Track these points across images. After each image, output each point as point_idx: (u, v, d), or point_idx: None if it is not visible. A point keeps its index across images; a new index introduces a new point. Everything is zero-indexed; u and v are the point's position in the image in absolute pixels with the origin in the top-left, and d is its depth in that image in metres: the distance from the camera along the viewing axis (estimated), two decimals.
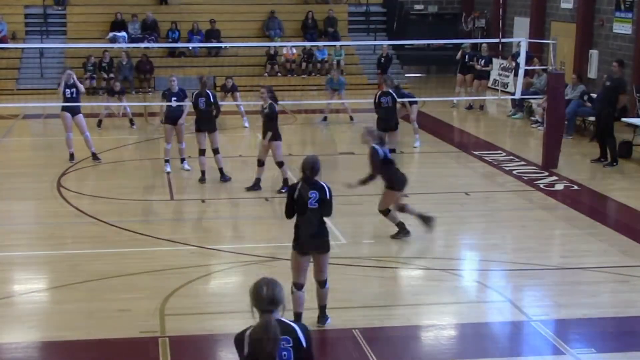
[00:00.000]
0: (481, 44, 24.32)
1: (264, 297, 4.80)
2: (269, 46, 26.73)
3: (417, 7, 30.53)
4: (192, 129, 14.76)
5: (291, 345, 4.82)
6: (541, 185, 14.64)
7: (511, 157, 16.99)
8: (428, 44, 28.94)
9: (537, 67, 21.10)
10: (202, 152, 14.56)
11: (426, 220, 11.54)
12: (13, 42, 25.72)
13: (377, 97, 14.72)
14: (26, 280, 10.27)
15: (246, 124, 19.94)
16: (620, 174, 15.70)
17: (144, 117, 21.39)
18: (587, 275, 10.26)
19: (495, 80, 25.91)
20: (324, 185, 8.29)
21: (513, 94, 21.26)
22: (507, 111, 22.66)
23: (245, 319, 4.96)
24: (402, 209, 11.60)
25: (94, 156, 16.32)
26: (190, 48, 26.95)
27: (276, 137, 13.72)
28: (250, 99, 20.90)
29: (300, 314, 8.41)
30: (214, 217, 13.32)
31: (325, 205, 8.23)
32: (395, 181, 11.33)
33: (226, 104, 19.53)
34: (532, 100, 21.03)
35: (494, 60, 24.83)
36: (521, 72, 17.30)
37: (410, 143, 17.84)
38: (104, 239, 11.63)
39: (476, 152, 17.37)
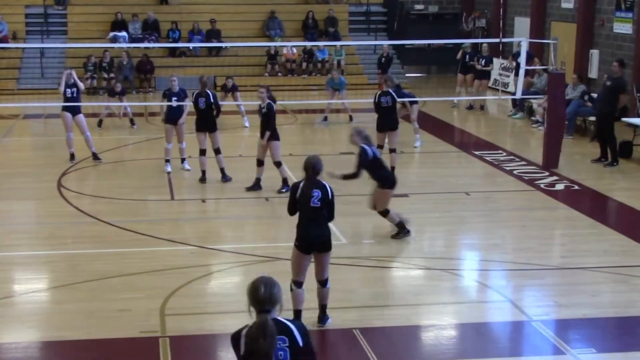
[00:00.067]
0: (482, 43, 24.32)
1: (261, 297, 4.80)
2: (269, 46, 26.73)
3: (418, 7, 30.53)
4: (193, 129, 14.75)
5: (287, 345, 4.82)
6: (542, 185, 14.63)
7: (512, 157, 16.99)
8: (428, 44, 28.97)
9: (537, 67, 21.10)
10: (202, 152, 14.55)
11: (404, 228, 11.52)
12: (14, 42, 25.74)
13: (376, 96, 14.71)
14: (26, 280, 10.27)
15: (246, 124, 19.94)
16: (620, 174, 15.70)
17: (145, 117, 21.41)
18: (588, 275, 10.25)
19: (495, 80, 25.92)
20: (326, 184, 8.31)
21: (513, 93, 21.26)
22: (508, 111, 22.65)
23: (245, 319, 4.96)
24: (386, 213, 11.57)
25: (95, 156, 16.33)
26: (191, 48, 26.96)
27: (274, 136, 13.72)
28: (250, 99, 20.88)
29: (299, 311, 8.41)
30: (214, 217, 13.32)
31: (328, 205, 8.24)
32: (385, 180, 11.33)
33: (226, 103, 19.54)
34: (532, 100, 21.03)
35: (495, 60, 24.84)
36: (522, 72, 17.29)
37: (411, 143, 17.84)
38: (105, 239, 11.63)
39: (477, 152, 17.37)
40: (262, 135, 13.70)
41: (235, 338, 4.84)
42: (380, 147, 14.80)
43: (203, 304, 9.36)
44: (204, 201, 13.96)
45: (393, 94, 14.71)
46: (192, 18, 27.43)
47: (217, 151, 14.57)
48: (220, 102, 15.32)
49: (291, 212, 8.44)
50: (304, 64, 27.14)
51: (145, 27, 27.15)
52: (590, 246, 11.45)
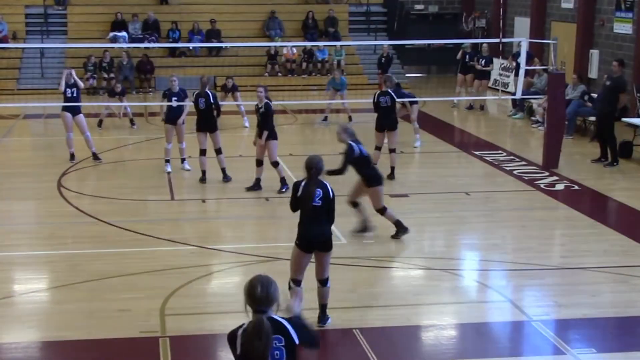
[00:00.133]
0: (482, 44, 24.32)
1: (258, 296, 4.81)
2: (269, 46, 26.73)
3: (418, 7, 30.53)
4: (193, 129, 14.75)
5: (283, 344, 4.83)
6: (542, 185, 14.63)
7: (512, 157, 16.99)
8: (428, 44, 28.97)
9: (537, 67, 21.10)
10: (202, 152, 14.55)
11: (365, 229, 11.53)
12: (14, 42, 25.73)
13: (376, 96, 14.71)
14: (26, 280, 10.27)
15: (246, 124, 19.94)
16: (620, 174, 15.70)
17: (145, 117, 21.41)
18: (588, 275, 10.25)
19: (495, 80, 25.91)
20: (327, 184, 8.34)
21: (513, 94, 21.26)
22: (508, 111, 22.65)
23: (244, 319, 4.97)
24: (356, 205, 11.56)
25: (95, 156, 16.33)
26: (191, 48, 26.96)
27: (273, 135, 13.71)
28: (250, 99, 20.85)
29: None
30: (215, 217, 13.32)
31: (329, 205, 8.25)
32: (372, 178, 11.32)
33: (227, 103, 19.54)
34: (532, 100, 21.03)
35: (495, 60, 24.83)
36: (522, 72, 17.29)
37: (411, 143, 17.84)
38: (105, 239, 11.63)
39: (477, 152, 17.37)
40: (260, 135, 13.70)
41: (232, 337, 4.86)
42: (379, 148, 14.81)
43: (203, 304, 9.37)
44: (204, 201, 13.96)
45: (392, 94, 14.70)
46: (192, 18, 27.43)
47: (218, 151, 14.56)
48: (220, 102, 15.32)
49: (293, 209, 8.47)
50: (304, 64, 27.14)
51: (145, 27, 27.15)
52: (590, 246, 11.45)
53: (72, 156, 16.28)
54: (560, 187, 14.60)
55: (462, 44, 24.00)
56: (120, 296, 9.47)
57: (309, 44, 26.73)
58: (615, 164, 16.10)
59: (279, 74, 26.92)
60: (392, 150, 14.83)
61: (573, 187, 14.62)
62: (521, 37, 20.52)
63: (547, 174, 15.46)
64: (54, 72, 24.74)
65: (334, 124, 20.78)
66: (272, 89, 25.03)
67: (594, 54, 22.48)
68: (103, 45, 25.66)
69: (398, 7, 29.74)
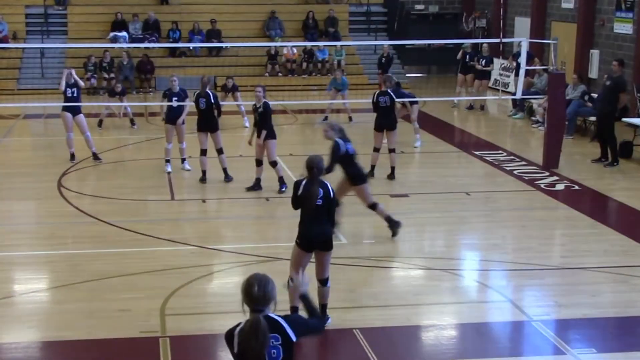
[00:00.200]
0: (482, 44, 24.32)
1: (255, 296, 4.82)
2: (269, 46, 26.73)
3: (418, 7, 30.53)
4: (193, 129, 14.74)
5: (280, 342, 4.84)
6: (542, 185, 14.63)
7: (512, 157, 16.99)
8: (429, 44, 28.96)
9: (537, 67, 21.10)
10: (203, 152, 14.55)
11: (392, 222, 11.55)
12: (14, 42, 25.73)
13: (375, 96, 14.70)
14: (26, 280, 10.27)
15: (247, 124, 19.93)
16: (621, 174, 15.70)
17: (145, 117, 21.41)
18: (588, 275, 10.25)
19: (496, 80, 25.91)
20: (328, 184, 8.35)
21: (514, 94, 21.26)
22: (508, 111, 22.65)
23: (244, 319, 4.97)
24: (374, 207, 11.59)
25: (95, 156, 16.33)
26: (191, 48, 26.96)
27: (271, 135, 13.71)
28: (251, 99, 20.83)
29: (296, 308, 8.41)
30: (215, 217, 13.32)
31: (330, 204, 8.26)
32: (356, 177, 11.30)
33: (227, 104, 19.53)
34: (532, 100, 21.03)
35: (495, 60, 24.84)
36: (522, 72, 17.29)
37: (411, 143, 17.84)
38: (105, 239, 11.63)
39: (477, 152, 17.36)
40: (259, 135, 13.70)
41: (229, 336, 4.88)
42: (377, 149, 14.81)
43: (203, 304, 9.37)
44: (204, 201, 13.96)
45: (391, 94, 14.70)
46: (193, 18, 27.43)
47: (219, 151, 14.56)
48: (220, 102, 15.31)
49: (295, 207, 8.48)
50: (304, 64, 27.14)
51: (145, 27, 27.15)
52: (590, 246, 11.45)
53: (72, 156, 16.28)
54: (560, 187, 14.60)
55: (463, 44, 24.00)
56: (120, 296, 9.47)
57: (309, 44, 26.73)
58: (615, 164, 16.10)
59: (279, 74, 26.92)
60: (391, 150, 14.83)
61: (573, 187, 14.62)
62: (521, 37, 20.52)
63: (547, 174, 15.46)
64: (54, 72, 24.74)
65: None
66: (272, 89, 25.11)
67: (594, 54, 22.48)
68: (103, 45, 25.67)
69: (398, 7, 29.75)
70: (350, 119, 20.79)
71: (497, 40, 21.00)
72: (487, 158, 16.81)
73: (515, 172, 15.60)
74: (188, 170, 15.41)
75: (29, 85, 25.42)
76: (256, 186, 14.05)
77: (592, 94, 19.21)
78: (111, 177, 15.29)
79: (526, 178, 15.12)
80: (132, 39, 26.51)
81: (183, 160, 15.55)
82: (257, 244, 11.45)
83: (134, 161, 16.84)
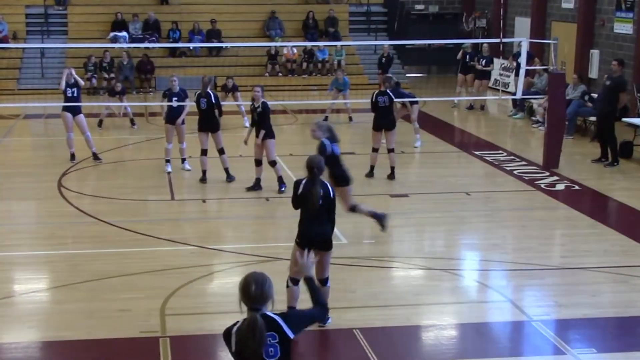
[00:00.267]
0: (482, 44, 24.32)
1: (252, 295, 4.84)
2: (269, 46, 26.74)
3: (418, 7, 30.54)
4: (194, 129, 14.74)
5: (277, 340, 4.86)
6: (542, 185, 14.63)
7: (512, 157, 16.99)
8: (429, 44, 28.96)
9: (538, 67, 21.10)
10: (203, 152, 14.54)
11: (377, 217, 11.44)
12: (14, 42, 25.74)
13: (374, 96, 14.70)
14: (26, 280, 10.27)
15: (247, 124, 19.88)
16: (621, 174, 15.69)
17: (145, 117, 21.41)
18: (588, 275, 10.25)
19: (496, 80, 25.92)
20: (328, 184, 8.36)
21: (514, 94, 21.26)
22: (508, 111, 22.66)
23: (243, 318, 4.98)
24: (354, 209, 11.50)
25: (95, 156, 16.33)
26: (191, 48, 26.96)
27: (270, 134, 13.71)
28: (250, 99, 20.89)
29: (294, 308, 8.42)
30: (215, 217, 13.32)
31: (329, 204, 8.26)
32: (340, 178, 11.23)
33: (227, 103, 19.53)
34: (533, 100, 21.03)
35: (495, 60, 24.84)
36: (522, 72, 17.29)
37: (411, 143, 17.84)
38: (105, 239, 11.63)
39: (477, 152, 17.36)
40: (257, 134, 13.70)
41: (227, 335, 4.90)
42: (376, 150, 14.80)
43: (203, 304, 9.37)
44: (204, 201, 13.96)
45: (390, 94, 14.70)
46: (193, 18, 27.43)
47: (220, 151, 14.56)
48: (221, 102, 15.30)
49: (295, 207, 8.49)
50: (305, 64, 27.14)
51: (145, 27, 27.15)
52: (590, 246, 11.44)
53: (73, 156, 16.28)
54: (560, 187, 14.60)
55: (463, 44, 24.01)
56: (120, 296, 9.47)
57: (309, 44, 26.73)
58: (615, 164, 16.10)
59: (280, 74, 26.93)
60: (390, 150, 14.81)
61: (573, 187, 14.62)
62: (521, 37, 20.52)
63: (547, 174, 15.46)
64: (54, 72, 24.74)
65: (334, 124, 20.79)
66: (272, 89, 25.14)
67: (594, 54, 22.48)
68: (103, 45, 25.67)
69: (398, 7, 29.75)
70: (350, 119, 20.81)
71: (497, 40, 21.00)
72: (487, 158, 16.81)
73: (515, 172, 15.60)
74: (188, 170, 15.40)
75: (29, 85, 25.42)
76: (256, 186, 14.05)
77: (592, 94, 19.21)
78: (111, 177, 15.29)
79: (526, 178, 15.12)
80: (132, 39, 26.52)
81: (183, 160, 15.55)
82: (257, 244, 11.45)
83: (134, 161, 16.84)
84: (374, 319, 8.93)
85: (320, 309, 5.21)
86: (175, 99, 15.09)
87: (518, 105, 21.95)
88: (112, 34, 26.74)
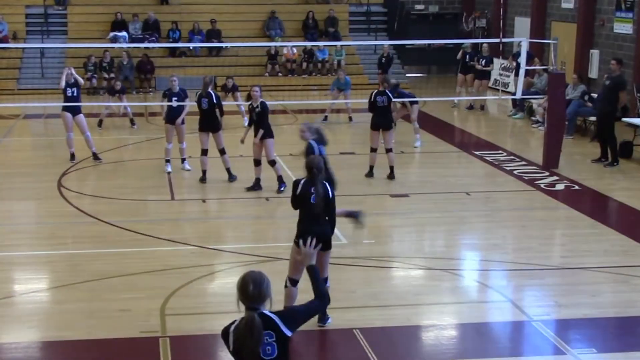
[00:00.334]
0: (482, 44, 24.32)
1: (250, 294, 4.86)
2: (269, 46, 26.74)
3: (418, 7, 30.53)
4: (194, 129, 14.73)
5: (274, 339, 4.88)
6: (542, 185, 14.63)
7: (512, 157, 16.99)
8: (429, 44, 28.96)
9: (537, 67, 21.09)
10: (204, 152, 14.54)
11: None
12: (14, 42, 25.73)
13: (372, 96, 14.69)
14: (26, 280, 10.27)
15: (247, 124, 19.89)
16: (621, 174, 15.69)
17: (145, 117, 21.41)
18: (588, 275, 10.25)
19: (496, 80, 25.91)
20: (327, 184, 8.35)
21: (514, 94, 21.26)
22: (508, 111, 22.65)
23: (240, 317, 4.99)
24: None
25: (95, 156, 16.33)
26: (191, 48, 26.96)
27: (269, 134, 13.71)
28: (245, 97, 20.89)
29: None
30: (215, 217, 13.32)
31: (328, 204, 8.26)
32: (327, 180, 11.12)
33: (227, 103, 19.51)
34: (532, 100, 21.02)
35: (495, 60, 24.83)
36: (522, 72, 17.28)
37: (411, 143, 17.84)
38: (105, 239, 11.63)
39: (477, 152, 17.36)
40: (256, 134, 13.70)
41: (225, 334, 4.93)
42: (374, 150, 14.79)
43: (203, 304, 9.36)
44: (204, 201, 13.96)
45: (389, 94, 14.70)
46: (193, 18, 27.43)
47: (221, 152, 14.56)
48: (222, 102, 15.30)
49: (294, 207, 8.50)
50: (304, 64, 27.14)
51: (145, 27, 27.15)
52: (590, 246, 11.44)
53: (73, 156, 16.28)
54: (560, 187, 14.60)
55: (463, 44, 24.00)
56: (120, 296, 9.47)
57: (309, 44, 26.73)
58: (615, 164, 16.10)
59: (279, 74, 26.93)
60: (389, 150, 14.81)
61: (573, 187, 14.62)
62: (521, 37, 20.52)
63: (547, 174, 15.46)
64: (54, 72, 24.73)
65: (334, 123, 20.82)
66: (272, 89, 25.15)
67: (594, 54, 22.48)
68: (103, 45, 25.67)
69: (398, 7, 29.75)
70: (350, 119, 20.81)
71: (497, 40, 20.97)
72: (487, 158, 16.81)
73: (515, 172, 15.60)
74: (188, 170, 15.40)
75: (29, 85, 25.42)
76: (256, 186, 14.05)
77: (592, 94, 19.22)
78: (111, 177, 15.29)
79: (526, 178, 15.12)
80: (132, 39, 26.52)
81: (183, 160, 15.55)
82: (257, 244, 11.45)
83: (134, 161, 16.84)
84: (374, 319, 8.92)
85: (320, 301, 5.21)
86: (175, 99, 15.09)
87: (518, 105, 21.95)
88: (112, 34, 26.74)
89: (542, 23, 25.47)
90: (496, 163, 16.37)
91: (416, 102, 18.27)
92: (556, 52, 17.66)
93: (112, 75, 25.19)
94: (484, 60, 23.39)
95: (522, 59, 17.81)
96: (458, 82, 24.02)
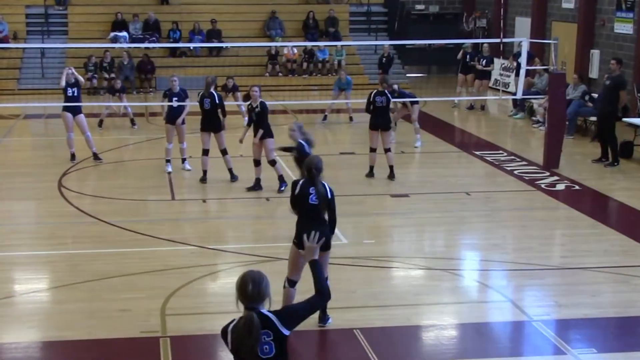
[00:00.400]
0: (482, 44, 24.32)
1: (249, 294, 4.89)
2: (270, 46, 26.74)
3: (418, 7, 30.53)
4: (194, 129, 14.73)
5: (272, 338, 4.91)
6: (542, 185, 14.63)
7: (512, 157, 16.98)
8: (429, 44, 28.96)
9: (538, 67, 21.09)
10: (205, 152, 14.54)
11: None
12: (14, 42, 25.74)
13: (371, 96, 14.69)
14: (27, 280, 10.27)
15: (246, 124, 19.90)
16: (621, 174, 15.69)
17: (145, 117, 21.41)
18: (588, 275, 10.25)
19: (496, 80, 25.91)
20: (326, 184, 8.34)
21: (514, 94, 21.26)
22: (508, 111, 22.65)
23: (239, 316, 5.00)
24: None
25: (95, 156, 16.33)
26: (192, 48, 26.96)
27: (268, 134, 13.71)
28: (243, 98, 20.88)
29: None
30: (215, 217, 13.32)
31: (327, 204, 8.26)
32: None
33: (227, 103, 19.49)
34: (533, 100, 21.02)
35: (495, 60, 24.83)
36: (522, 72, 17.28)
37: (412, 143, 17.84)
38: (105, 239, 11.62)
39: (477, 152, 17.36)
40: (256, 134, 13.70)
41: (224, 333, 4.97)
42: (374, 150, 14.78)
43: (203, 304, 9.36)
44: (204, 201, 13.96)
45: (388, 94, 14.70)
46: (193, 18, 27.43)
47: (223, 152, 14.56)
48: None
49: (293, 207, 8.50)
50: (305, 64, 27.14)
51: (145, 27, 27.15)
52: (590, 246, 11.44)
53: (73, 156, 16.28)
54: (560, 187, 14.59)
55: (463, 44, 24.01)
56: (120, 296, 9.47)
57: (309, 44, 26.73)
58: (616, 164, 16.09)
59: (280, 74, 26.93)
60: (387, 150, 14.80)
61: (574, 187, 14.61)
62: (522, 37, 20.52)
63: (547, 174, 15.46)
64: (55, 72, 24.72)
65: (334, 123, 20.83)
66: (272, 89, 25.16)
67: (595, 54, 22.48)
68: (104, 45, 25.68)
69: (399, 7, 29.74)
70: (351, 119, 20.81)
71: (498, 40, 21.00)
72: (488, 158, 16.80)
73: (515, 172, 15.60)
74: (188, 170, 15.40)
75: (29, 85, 25.43)
76: (256, 186, 14.06)
77: (593, 94, 19.21)
78: (111, 177, 15.29)
79: (526, 178, 15.12)
80: (133, 39, 26.52)
81: (183, 160, 15.55)
82: (257, 244, 11.45)
83: (134, 161, 16.84)
84: (374, 319, 8.92)
85: (320, 296, 5.22)
86: (176, 99, 15.10)
87: (518, 105, 21.94)
88: (112, 34, 26.75)
89: (542, 23, 25.47)
90: (496, 163, 16.36)
91: (417, 102, 18.27)
92: (557, 52, 17.65)
93: (113, 75, 25.18)
94: (484, 60, 23.39)
95: (523, 59, 17.80)
96: (458, 82, 24.02)
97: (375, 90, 14.90)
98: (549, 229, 12.48)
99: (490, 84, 25.47)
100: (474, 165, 16.49)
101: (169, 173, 15.24)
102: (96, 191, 14.28)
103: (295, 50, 27.04)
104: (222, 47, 26.71)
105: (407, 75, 28.07)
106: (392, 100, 15.33)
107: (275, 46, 26.64)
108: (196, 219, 13.03)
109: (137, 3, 28.09)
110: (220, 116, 14.57)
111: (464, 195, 13.99)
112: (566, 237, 12.20)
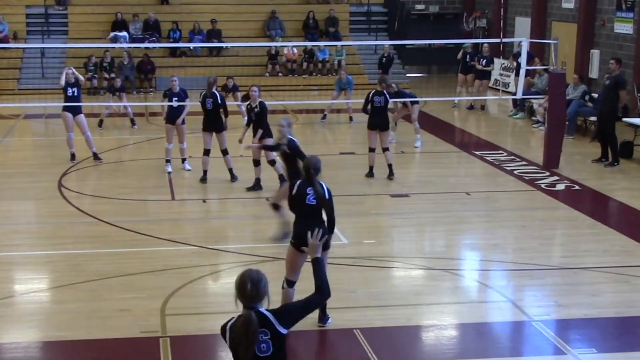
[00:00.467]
0: (482, 43, 24.32)
1: (248, 294, 4.91)
2: (270, 46, 26.74)
3: (419, 7, 30.54)
4: (194, 129, 14.73)
5: (269, 337, 4.92)
6: (542, 185, 14.63)
7: (512, 157, 16.98)
8: (429, 44, 28.97)
9: (538, 67, 21.09)
10: (206, 152, 14.54)
11: (286, 235, 10.62)
12: (14, 42, 25.75)
13: (370, 95, 14.68)
14: (27, 280, 10.27)
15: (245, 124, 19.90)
16: (621, 174, 15.69)
17: (145, 117, 21.41)
18: (588, 275, 10.25)
19: (496, 80, 25.92)
20: (324, 184, 8.34)
21: (514, 94, 21.26)
22: (508, 111, 22.65)
23: (238, 314, 5.01)
24: (277, 208, 11.14)
25: (95, 156, 16.33)
26: (192, 48, 26.96)
27: (268, 134, 13.71)
28: (241, 98, 20.87)
29: None
30: (215, 217, 13.32)
31: (325, 204, 8.25)
32: (295, 177, 11.02)
33: (227, 103, 19.50)
34: (533, 100, 21.02)
35: (495, 60, 24.84)
36: (522, 72, 17.28)
37: (412, 143, 17.84)
38: (105, 239, 11.62)
39: (477, 152, 17.36)
40: (255, 134, 13.70)
41: (223, 329, 5.01)
42: (373, 150, 14.77)
43: (203, 304, 9.36)
44: (204, 201, 13.96)
45: (387, 94, 14.69)
46: (193, 18, 27.44)
47: (224, 152, 14.56)
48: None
49: (291, 207, 8.51)
50: (305, 64, 27.14)
51: (146, 27, 27.15)
52: (590, 246, 11.44)
53: (73, 156, 16.28)
54: (560, 187, 14.60)
55: (463, 44, 24.01)
56: (120, 296, 9.47)
57: (309, 44, 26.73)
58: (616, 164, 16.09)
59: (280, 74, 26.93)
60: (385, 149, 14.78)
61: (574, 187, 14.61)
62: (522, 37, 20.51)
63: (547, 174, 15.46)
64: (55, 72, 24.71)
65: (334, 123, 20.83)
66: (272, 89, 25.16)
67: (595, 54, 22.48)
68: (104, 45, 25.68)
69: (399, 7, 29.72)
70: (351, 119, 20.80)
71: (498, 40, 20.99)
72: (488, 158, 16.80)
73: (515, 172, 15.60)
74: (188, 170, 15.40)
75: (29, 85, 25.43)
76: (256, 186, 14.06)
77: (593, 94, 19.21)
78: (111, 177, 15.28)
79: (526, 178, 15.12)
80: (133, 39, 26.52)
81: (183, 160, 15.55)
82: (257, 244, 11.44)
83: (134, 161, 16.84)
84: (374, 319, 8.92)
85: (320, 294, 5.22)
86: (176, 99, 15.10)
87: (518, 105, 21.94)
88: (112, 34, 26.75)
89: (542, 23, 25.47)
90: (496, 163, 16.36)
91: (417, 102, 18.27)
92: (556, 52, 17.63)
93: (113, 75, 25.16)
94: (484, 60, 23.39)
95: (523, 59, 17.80)
96: (458, 82, 24.03)
97: (374, 90, 14.90)
98: (549, 229, 12.49)
99: (490, 84, 25.48)
100: (474, 165, 16.49)
101: (169, 173, 15.24)
102: (96, 191, 14.28)
103: (295, 50, 27.04)
104: (222, 47, 26.72)
105: (407, 75, 28.07)
106: (392, 100, 15.33)
107: (275, 46, 26.64)
108: (196, 219, 13.03)
109: (137, 3, 28.10)
110: (222, 116, 14.57)
111: (464, 195, 13.99)
112: (566, 237, 12.20)
